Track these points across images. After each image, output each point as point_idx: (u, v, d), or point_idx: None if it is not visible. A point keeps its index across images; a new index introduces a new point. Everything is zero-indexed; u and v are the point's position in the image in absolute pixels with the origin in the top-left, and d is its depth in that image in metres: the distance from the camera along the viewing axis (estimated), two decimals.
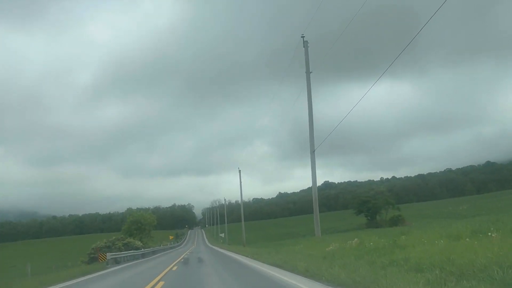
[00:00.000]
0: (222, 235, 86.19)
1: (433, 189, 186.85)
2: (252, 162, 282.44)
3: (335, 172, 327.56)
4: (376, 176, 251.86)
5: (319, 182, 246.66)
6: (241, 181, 59.81)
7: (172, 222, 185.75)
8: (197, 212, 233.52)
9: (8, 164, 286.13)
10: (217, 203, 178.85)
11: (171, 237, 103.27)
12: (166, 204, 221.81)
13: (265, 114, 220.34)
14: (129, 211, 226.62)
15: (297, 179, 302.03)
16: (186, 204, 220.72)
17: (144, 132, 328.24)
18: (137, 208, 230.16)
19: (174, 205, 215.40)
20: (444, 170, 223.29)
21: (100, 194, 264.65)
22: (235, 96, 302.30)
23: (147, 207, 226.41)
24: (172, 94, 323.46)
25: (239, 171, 57.97)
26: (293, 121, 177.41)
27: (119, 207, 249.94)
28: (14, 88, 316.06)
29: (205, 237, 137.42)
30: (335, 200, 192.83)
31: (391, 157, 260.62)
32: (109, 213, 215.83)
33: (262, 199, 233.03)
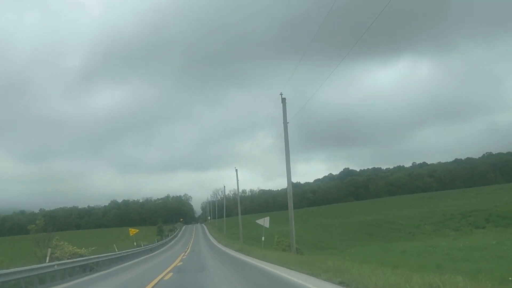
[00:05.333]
0: (264, 221, 39.62)
1: (485, 173, 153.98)
2: (256, 154, 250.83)
3: (339, 165, 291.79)
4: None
5: (336, 171, 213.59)
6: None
7: (165, 217, 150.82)
8: (196, 207, 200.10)
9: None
10: (220, 193, 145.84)
11: (132, 232, 53.11)
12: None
13: (270, 101, 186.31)
14: (113, 203, 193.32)
15: (300, 173, 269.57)
16: (182, 195, 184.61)
17: (139, 122, 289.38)
18: (123, 200, 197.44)
19: (167, 196, 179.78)
20: (483, 155, 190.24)
21: (92, 190, 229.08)
22: (239, 77, 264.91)
23: (136, 199, 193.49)
24: (170, 76, 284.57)
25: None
26: (299, 109, 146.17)
27: (101, 201, 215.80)
28: None
29: (208, 233, 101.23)
30: (364, 188, 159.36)
31: (400, 148, 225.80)
32: (88, 206, 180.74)
33: (270, 190, 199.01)
